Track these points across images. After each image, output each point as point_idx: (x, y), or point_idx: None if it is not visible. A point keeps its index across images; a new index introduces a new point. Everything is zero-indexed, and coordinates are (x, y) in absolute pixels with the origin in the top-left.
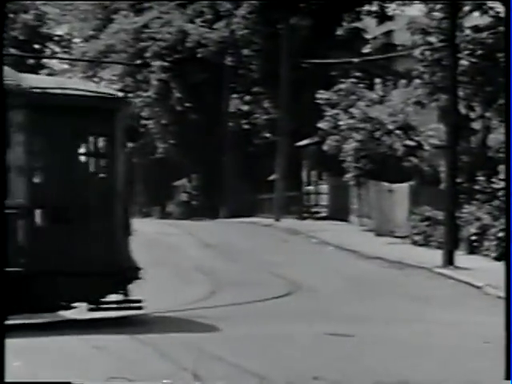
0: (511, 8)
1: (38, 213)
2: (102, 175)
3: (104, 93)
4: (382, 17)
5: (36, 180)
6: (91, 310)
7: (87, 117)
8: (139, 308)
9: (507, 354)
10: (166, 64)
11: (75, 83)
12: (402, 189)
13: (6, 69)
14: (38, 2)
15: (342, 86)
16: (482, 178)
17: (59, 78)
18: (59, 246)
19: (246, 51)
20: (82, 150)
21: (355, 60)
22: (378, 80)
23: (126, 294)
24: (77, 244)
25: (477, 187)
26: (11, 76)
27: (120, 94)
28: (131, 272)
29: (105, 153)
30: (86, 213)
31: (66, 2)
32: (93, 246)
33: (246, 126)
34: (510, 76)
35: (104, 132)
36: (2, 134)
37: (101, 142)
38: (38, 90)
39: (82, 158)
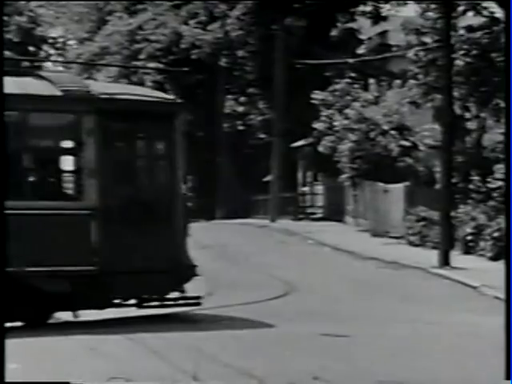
0: (511, 8)
1: (108, 214)
2: (164, 177)
3: (164, 98)
4: (377, 17)
5: (106, 182)
6: (154, 306)
7: (150, 121)
8: (197, 304)
9: (507, 354)
10: (160, 65)
11: (136, 89)
12: (398, 189)
13: (75, 77)
14: (32, 5)
15: (337, 86)
16: (477, 178)
17: (119, 84)
18: (128, 245)
19: (240, 52)
20: (146, 154)
21: (350, 61)
22: (372, 80)
23: (182, 291)
24: (144, 243)
25: (472, 187)
26: (80, 83)
27: (178, 99)
28: (190, 269)
29: (166, 156)
30: (150, 214)
31: (59, 3)
32: (158, 245)
33: (241, 127)
34: (510, 76)
35: (166, 135)
36: (1, 135)
37: (163, 146)
38: (106, 96)
39: (147, 161)
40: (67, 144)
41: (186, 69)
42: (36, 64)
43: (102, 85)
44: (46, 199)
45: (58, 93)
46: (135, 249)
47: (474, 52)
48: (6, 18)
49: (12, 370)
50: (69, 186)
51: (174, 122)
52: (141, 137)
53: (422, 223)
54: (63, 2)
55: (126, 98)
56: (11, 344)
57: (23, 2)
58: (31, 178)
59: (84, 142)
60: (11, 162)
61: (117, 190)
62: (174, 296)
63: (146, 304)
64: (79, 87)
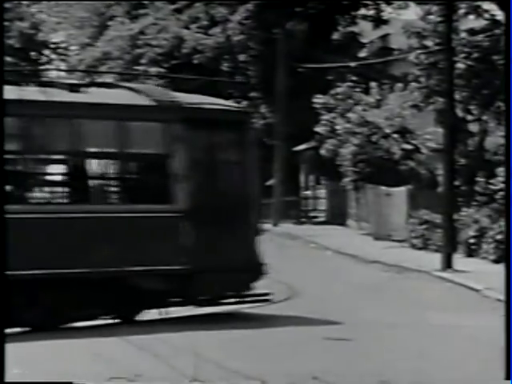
0: (511, 8)
1: (195, 216)
2: (238, 181)
3: (237, 107)
4: (378, 21)
5: (193, 186)
6: (231, 303)
7: (227, 128)
8: (267, 300)
9: (507, 354)
10: (162, 70)
11: (211, 99)
12: (400, 192)
13: (161, 88)
14: (33, 10)
15: (339, 90)
16: (479, 181)
17: (196, 95)
18: (213, 245)
19: (242, 56)
20: (224, 159)
21: (352, 64)
22: (374, 84)
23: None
24: (225, 243)
25: (474, 190)
26: (167, 94)
27: (248, 108)
28: (261, 268)
29: (240, 161)
30: (229, 215)
31: (61, 9)
32: (236, 245)
33: None
34: (510, 76)
35: (239, 142)
36: (1, 137)
37: (237, 151)
38: (190, 106)
39: (225, 166)
40: (158, 150)
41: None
42: (36, 70)
43: (184, 95)
44: (143, 203)
45: (151, 103)
46: (219, 248)
47: (476, 55)
48: (7, 24)
49: (14, 375)
50: (161, 190)
51: (245, 129)
52: (219, 143)
53: (424, 226)
54: (64, 8)
55: (207, 107)
56: (12, 351)
57: (25, 8)
58: (129, 183)
59: (173, 149)
60: (112, 168)
61: (202, 193)
62: (245, 293)
63: (225, 301)
64: (168, 98)
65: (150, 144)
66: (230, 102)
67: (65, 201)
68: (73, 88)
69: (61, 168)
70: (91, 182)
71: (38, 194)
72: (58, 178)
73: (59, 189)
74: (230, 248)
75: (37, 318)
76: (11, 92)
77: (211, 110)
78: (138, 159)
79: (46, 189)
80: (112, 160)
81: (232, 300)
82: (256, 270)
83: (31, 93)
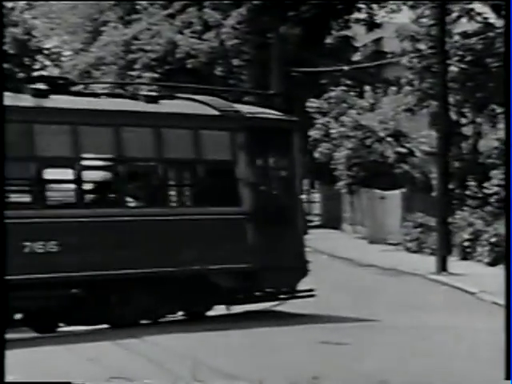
0: (511, 8)
1: (258, 217)
2: (289, 185)
3: (287, 116)
4: (371, 24)
5: (256, 190)
6: (282, 299)
7: (279, 136)
8: (311, 296)
9: (507, 354)
10: (156, 75)
11: (265, 110)
12: (395, 196)
13: (223, 100)
14: (26, 16)
15: (333, 94)
16: (473, 184)
17: (247, 105)
18: (272, 244)
19: (235, 61)
20: (277, 165)
21: (345, 68)
22: (368, 88)
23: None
24: (280, 243)
25: (468, 193)
26: (230, 105)
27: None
28: (307, 266)
29: (290, 166)
30: (283, 217)
31: (54, 15)
32: (289, 244)
33: None
34: (510, 77)
35: (288, 149)
36: (1, 139)
37: (287, 157)
38: (250, 115)
39: (278, 171)
40: (226, 157)
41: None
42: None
43: (243, 106)
44: (215, 205)
45: (219, 113)
46: (276, 248)
47: (469, 58)
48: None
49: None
50: (229, 194)
51: (293, 137)
52: (274, 150)
53: (419, 229)
54: (58, 13)
55: (263, 117)
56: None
57: (18, 14)
58: (203, 187)
59: (238, 156)
60: (186, 173)
61: (262, 196)
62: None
63: (279, 296)
64: (231, 108)
65: (219, 151)
66: (279, 113)
67: (150, 204)
68: (149, 99)
69: (146, 174)
70: (171, 187)
71: (131, 198)
72: (144, 183)
73: (145, 193)
74: (284, 247)
75: (130, 316)
76: (113, 104)
77: (267, 120)
78: (210, 165)
79: (138, 193)
80: (187, 166)
81: (284, 296)
82: (304, 267)
83: (119, 103)
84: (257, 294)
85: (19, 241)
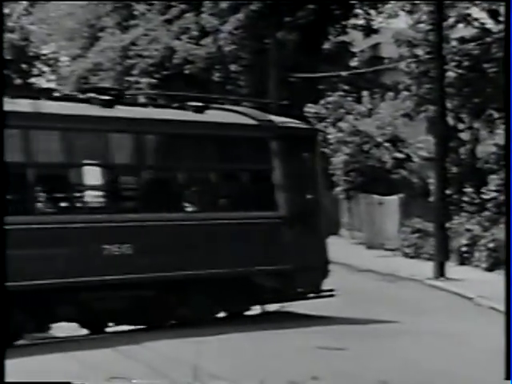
0: (511, 8)
1: (291, 221)
2: (313, 190)
3: (310, 125)
4: (368, 30)
5: (289, 195)
6: (309, 298)
7: (305, 144)
8: (332, 295)
9: (507, 355)
10: (153, 81)
11: (291, 120)
12: (392, 201)
13: (258, 111)
14: (24, 22)
15: (330, 99)
16: (471, 190)
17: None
18: (303, 246)
19: (233, 67)
20: (305, 171)
21: (343, 73)
22: (365, 93)
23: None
24: (310, 245)
25: (466, 198)
26: (264, 115)
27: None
28: (329, 266)
29: (314, 172)
30: (309, 220)
31: (52, 21)
32: (316, 247)
33: None
34: (510, 77)
35: (312, 156)
36: (1, 140)
37: (311, 164)
38: (282, 125)
39: (306, 176)
40: (263, 164)
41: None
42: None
43: (272, 116)
44: (255, 210)
45: (256, 123)
46: (307, 250)
47: (466, 63)
48: None
49: None
50: (267, 199)
51: (316, 144)
52: (301, 157)
53: (417, 235)
54: (55, 19)
55: (293, 126)
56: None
57: (15, 19)
58: (243, 193)
59: (273, 163)
60: (231, 180)
61: (294, 201)
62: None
63: (305, 296)
64: (265, 118)
65: (258, 159)
66: (300, 122)
67: (204, 209)
68: (197, 110)
69: (200, 181)
70: (220, 193)
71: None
72: (199, 189)
73: (199, 199)
74: (312, 249)
75: (189, 315)
76: (171, 114)
77: (296, 128)
78: (250, 172)
79: (194, 199)
80: (232, 173)
81: (311, 295)
82: (326, 268)
83: (175, 113)
84: (295, 292)
85: (99, 244)
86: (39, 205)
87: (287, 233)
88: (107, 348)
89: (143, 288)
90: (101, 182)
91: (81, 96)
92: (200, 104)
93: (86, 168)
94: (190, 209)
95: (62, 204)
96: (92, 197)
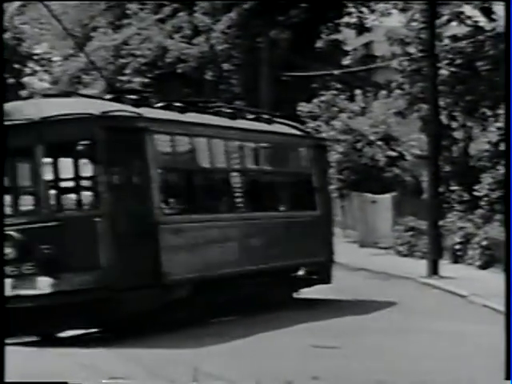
0: (511, 8)
1: (324, 219)
2: (328, 190)
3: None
4: (361, 28)
5: (322, 196)
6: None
7: (324, 152)
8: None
9: (507, 354)
10: (146, 80)
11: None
12: (385, 199)
13: (298, 123)
14: (16, 22)
15: (323, 98)
16: (464, 187)
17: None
18: (329, 242)
19: (226, 65)
20: (326, 174)
21: (335, 72)
22: (358, 91)
23: None
24: (330, 240)
25: (459, 196)
26: (303, 127)
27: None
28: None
29: (327, 175)
30: (330, 218)
31: (44, 20)
32: (331, 241)
33: None
34: (509, 77)
35: (326, 164)
36: (2, 142)
37: (327, 168)
38: (315, 135)
39: (326, 180)
40: (306, 169)
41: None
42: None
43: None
44: (300, 210)
45: (301, 133)
46: (330, 243)
47: (459, 61)
48: None
49: None
50: (309, 200)
51: (327, 151)
52: (324, 163)
53: (410, 233)
54: (47, 19)
55: (320, 137)
56: None
57: (7, 19)
58: (291, 194)
59: (312, 168)
60: (288, 183)
61: (326, 202)
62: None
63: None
64: (303, 128)
65: (304, 164)
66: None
67: (286, 208)
68: (268, 121)
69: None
70: (281, 194)
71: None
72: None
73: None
74: (331, 243)
75: (241, 307)
76: (249, 124)
77: (320, 139)
78: (300, 176)
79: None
80: (289, 177)
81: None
82: (333, 259)
83: (253, 124)
84: (327, 280)
85: (248, 238)
86: (233, 204)
87: (323, 229)
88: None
89: (264, 276)
90: (239, 184)
91: (212, 109)
92: (267, 116)
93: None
94: (281, 208)
95: (229, 204)
96: (239, 197)
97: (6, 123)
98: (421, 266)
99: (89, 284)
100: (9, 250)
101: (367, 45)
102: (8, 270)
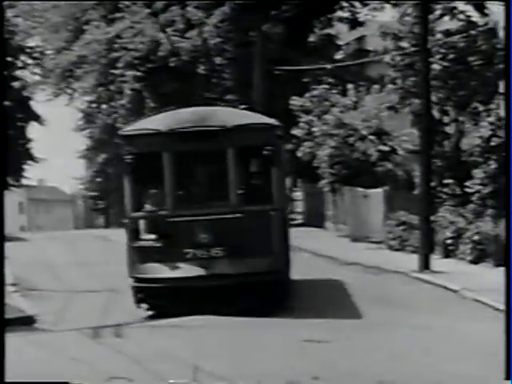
0: (511, 8)
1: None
2: None
3: None
4: (354, 23)
5: None
6: None
7: None
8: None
9: (507, 354)
10: (138, 74)
11: None
12: (377, 194)
13: None
14: (9, 15)
15: (315, 92)
16: (455, 182)
17: None
18: None
19: (218, 59)
20: None
21: (328, 66)
22: (350, 86)
23: None
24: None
25: (451, 191)
26: None
27: None
28: None
29: None
30: None
31: (36, 13)
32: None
33: None
34: (510, 77)
35: None
36: (2, 141)
37: None
38: None
39: None
40: None
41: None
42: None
43: None
44: None
45: None
46: None
47: (451, 56)
48: None
49: None
50: None
51: None
52: None
53: (401, 228)
54: (40, 12)
55: None
56: None
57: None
58: None
59: None
60: None
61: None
62: None
63: None
64: None
65: None
66: None
67: None
68: None
69: None
70: None
71: None
72: None
73: None
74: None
75: None
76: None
77: None
78: None
79: None
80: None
81: None
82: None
83: None
84: None
85: None
86: None
87: None
88: None
89: None
90: None
91: None
92: None
93: None
94: None
95: None
96: None
97: (194, 128)
98: (412, 260)
99: (264, 268)
100: (203, 236)
101: (360, 39)
102: (199, 253)
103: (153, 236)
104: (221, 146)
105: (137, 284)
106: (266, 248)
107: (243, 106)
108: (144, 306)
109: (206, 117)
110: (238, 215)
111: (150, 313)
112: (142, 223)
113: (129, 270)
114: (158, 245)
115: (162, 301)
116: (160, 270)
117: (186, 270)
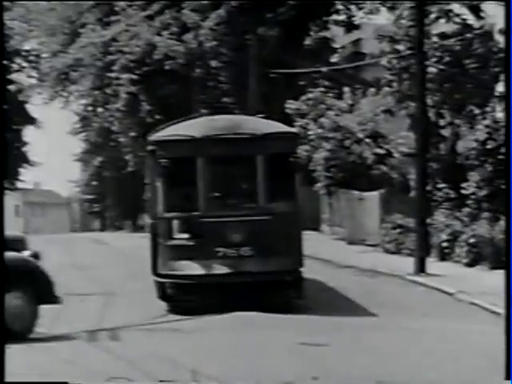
0: (511, 8)
1: None
2: None
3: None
4: (350, 26)
5: None
6: None
7: None
8: None
9: (507, 354)
10: (134, 77)
11: None
12: (373, 197)
13: None
14: (5, 18)
15: (311, 95)
16: (451, 185)
17: None
18: None
19: (214, 63)
20: None
21: (324, 69)
22: (346, 89)
23: None
24: None
25: (446, 194)
26: None
27: None
28: None
29: None
30: None
31: (32, 16)
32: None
33: None
34: (510, 77)
35: None
36: (2, 141)
37: None
38: None
39: None
40: None
41: None
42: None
43: None
44: None
45: None
46: None
47: (447, 59)
48: None
49: None
50: None
51: None
52: None
53: (397, 231)
54: (36, 15)
55: None
56: None
57: None
58: None
59: None
60: None
61: None
62: None
63: None
64: None
65: None
66: None
67: None
68: None
69: None
70: None
71: None
72: None
73: None
74: None
75: None
76: None
77: None
78: None
79: None
80: None
81: None
82: None
83: None
84: None
85: None
86: None
87: None
88: None
89: None
90: None
91: None
92: None
93: None
94: None
95: None
96: None
97: (227, 136)
98: (408, 263)
99: (287, 266)
100: (233, 235)
101: (355, 42)
102: (229, 251)
103: (186, 235)
104: (251, 152)
105: (167, 280)
106: (289, 248)
107: (261, 115)
108: (169, 302)
109: (237, 125)
110: (265, 217)
111: (165, 312)
112: (175, 223)
113: (157, 267)
114: (191, 243)
115: (193, 296)
116: (192, 267)
117: (217, 268)
